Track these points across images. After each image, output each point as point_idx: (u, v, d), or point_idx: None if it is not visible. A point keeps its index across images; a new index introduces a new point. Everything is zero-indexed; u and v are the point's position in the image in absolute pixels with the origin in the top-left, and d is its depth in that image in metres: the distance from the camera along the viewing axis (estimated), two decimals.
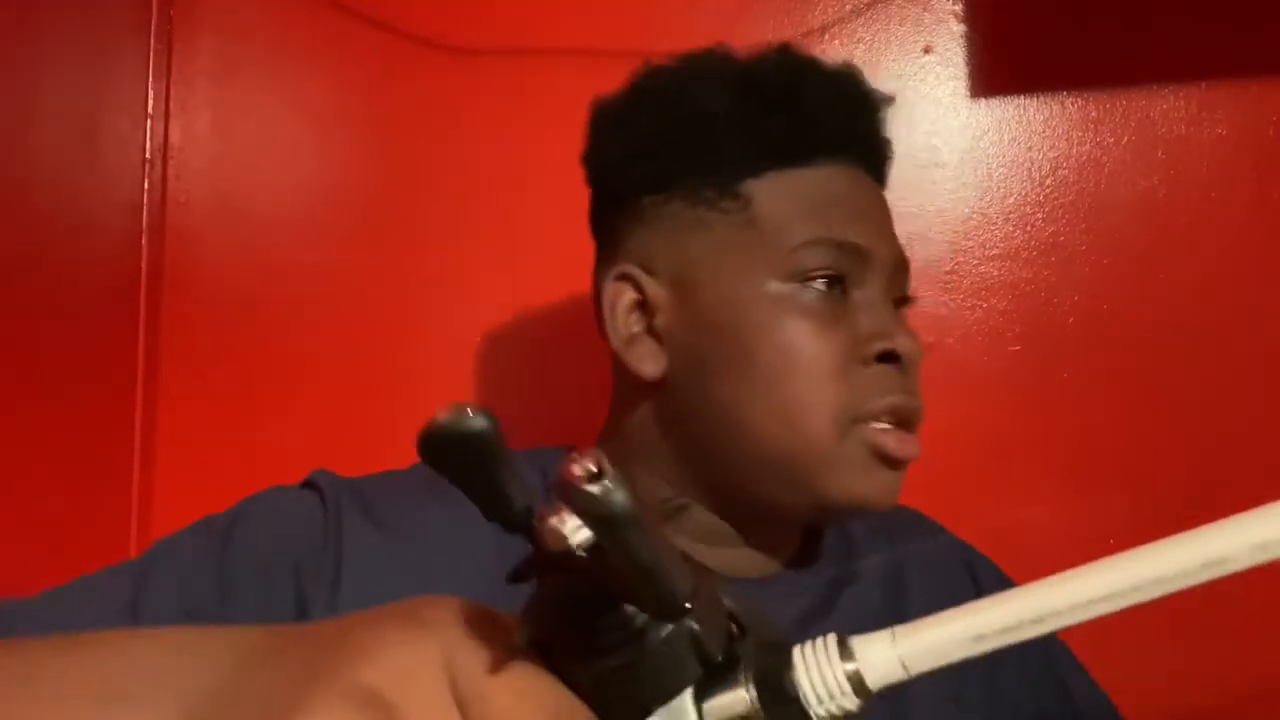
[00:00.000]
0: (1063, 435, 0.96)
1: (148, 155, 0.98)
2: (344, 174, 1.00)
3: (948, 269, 0.98)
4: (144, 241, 0.97)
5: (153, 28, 0.99)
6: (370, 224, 0.99)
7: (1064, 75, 0.99)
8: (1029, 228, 0.98)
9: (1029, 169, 0.98)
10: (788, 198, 0.57)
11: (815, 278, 0.55)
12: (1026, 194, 0.98)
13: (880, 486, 0.56)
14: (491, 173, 0.98)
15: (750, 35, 1.01)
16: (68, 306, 0.88)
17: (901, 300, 0.61)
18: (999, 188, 0.98)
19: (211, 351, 0.98)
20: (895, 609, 0.63)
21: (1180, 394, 0.96)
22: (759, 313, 0.55)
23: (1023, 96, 0.99)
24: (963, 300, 0.97)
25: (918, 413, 0.57)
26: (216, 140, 1.00)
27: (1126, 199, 0.97)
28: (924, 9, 1.00)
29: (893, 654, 0.27)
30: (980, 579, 0.68)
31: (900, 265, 0.60)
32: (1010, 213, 0.98)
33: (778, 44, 0.62)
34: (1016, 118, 0.99)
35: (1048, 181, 0.98)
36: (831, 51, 1.00)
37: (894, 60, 1.00)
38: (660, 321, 0.59)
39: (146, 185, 0.97)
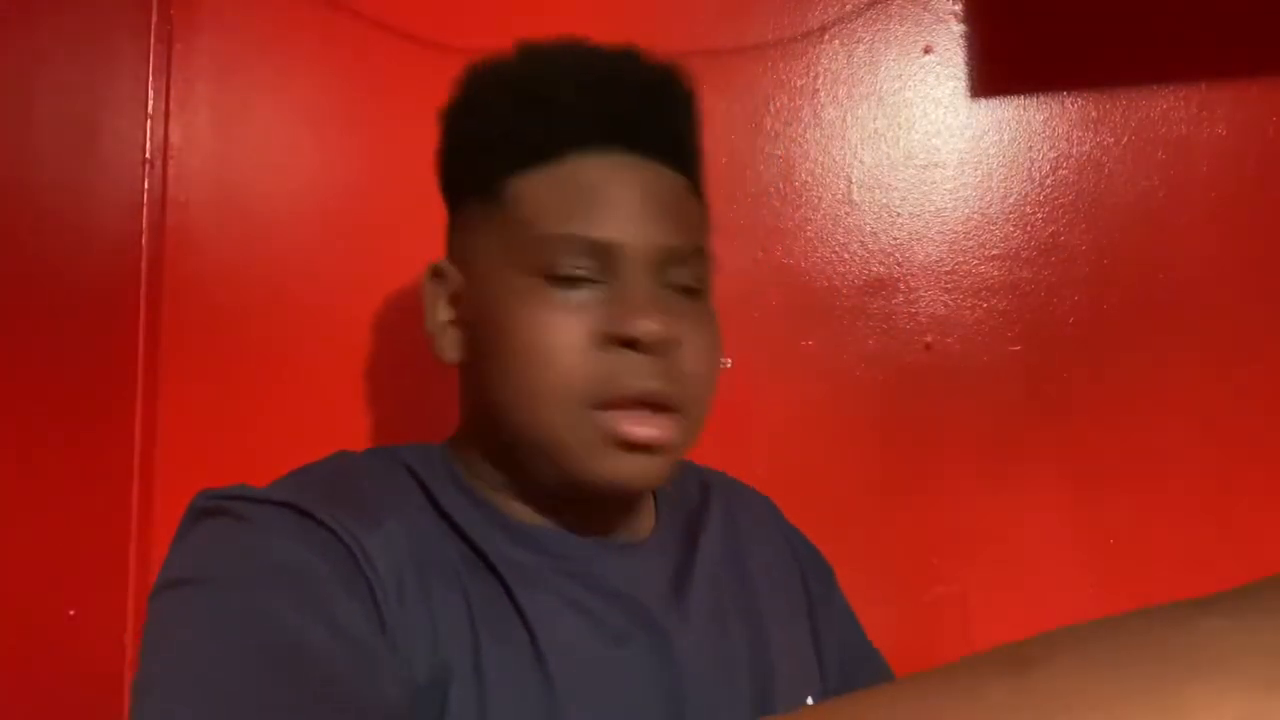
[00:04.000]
0: (1063, 435, 0.96)
1: (148, 155, 0.98)
2: (344, 174, 1.00)
3: (948, 269, 0.98)
4: (144, 241, 0.97)
5: (153, 28, 0.99)
6: (370, 224, 0.99)
7: (1064, 75, 0.99)
8: (1029, 228, 0.98)
9: (1029, 169, 0.98)
10: (541, 195, 0.59)
11: (563, 274, 0.58)
12: (1026, 194, 0.98)
13: (626, 469, 0.57)
14: None
15: (751, 35, 1.01)
16: (68, 306, 0.88)
17: (687, 290, 0.60)
18: (999, 188, 0.98)
19: (211, 351, 0.98)
20: (736, 560, 0.68)
21: (1180, 394, 0.96)
22: (511, 305, 0.58)
23: (1023, 96, 0.99)
24: (963, 300, 0.97)
25: (671, 396, 0.57)
26: (216, 140, 1.00)
27: (1126, 199, 0.97)
28: (924, 9, 1.00)
29: None
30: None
31: (666, 253, 0.59)
32: (1010, 213, 0.98)
33: (551, 40, 0.63)
34: (1016, 118, 0.99)
35: (1048, 181, 0.98)
36: (831, 51, 1.00)
37: (894, 60, 1.00)
38: (461, 313, 0.63)
39: (146, 185, 0.97)
